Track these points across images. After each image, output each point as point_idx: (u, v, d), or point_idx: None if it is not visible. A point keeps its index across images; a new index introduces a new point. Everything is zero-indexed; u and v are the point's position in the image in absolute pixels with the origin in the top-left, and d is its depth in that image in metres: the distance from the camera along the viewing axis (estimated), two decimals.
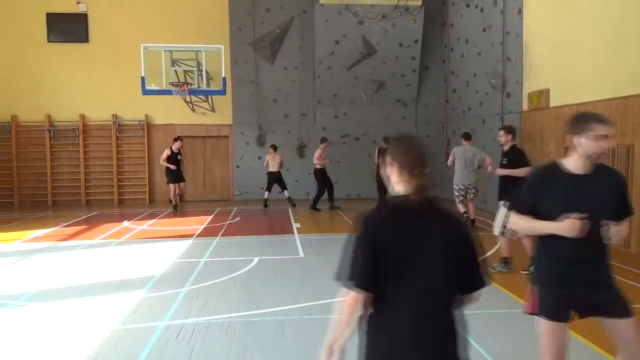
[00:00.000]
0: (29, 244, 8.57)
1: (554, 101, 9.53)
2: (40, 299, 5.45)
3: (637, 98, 7.32)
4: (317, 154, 12.57)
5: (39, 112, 14.25)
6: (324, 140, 12.90)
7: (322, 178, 12.65)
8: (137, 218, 11.47)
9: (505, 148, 6.71)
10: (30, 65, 14.20)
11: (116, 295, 5.56)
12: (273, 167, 12.78)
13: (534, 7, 10.11)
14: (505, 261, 6.52)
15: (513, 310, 4.95)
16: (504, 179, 6.49)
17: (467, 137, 9.86)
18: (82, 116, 14.46)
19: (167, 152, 12.24)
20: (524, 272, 6.08)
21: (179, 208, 12.56)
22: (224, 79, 12.92)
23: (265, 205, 12.89)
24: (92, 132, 14.65)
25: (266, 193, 13.03)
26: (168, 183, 12.55)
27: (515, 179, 5.91)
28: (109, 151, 14.56)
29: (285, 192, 12.97)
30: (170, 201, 12.51)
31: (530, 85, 10.31)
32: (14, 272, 6.73)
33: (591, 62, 8.35)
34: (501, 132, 6.72)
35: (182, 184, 12.77)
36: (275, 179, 12.91)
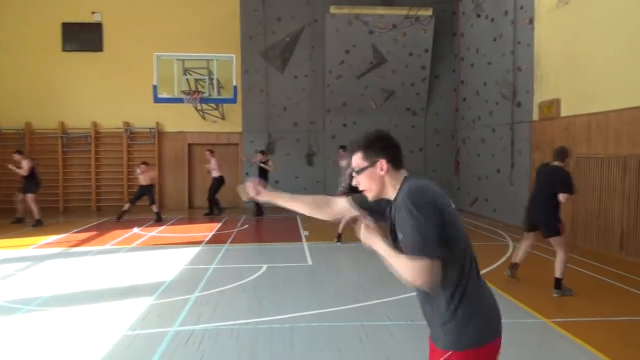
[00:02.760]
0: (41, 250, 8.67)
1: (564, 111, 9.49)
2: (52, 304, 5.51)
3: None
4: None
5: (53, 119, 14.46)
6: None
7: None
8: (147, 225, 11.55)
9: None
10: (45, 73, 14.44)
11: (126, 301, 5.60)
12: (144, 181, 12.20)
13: (545, 17, 10.11)
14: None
15: (522, 321, 4.92)
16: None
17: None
18: (95, 124, 14.65)
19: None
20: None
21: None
22: (235, 87, 13.04)
23: (120, 217, 12.07)
24: (104, 139, 14.83)
25: (127, 205, 12.31)
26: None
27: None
28: (120, 158, 14.72)
29: (154, 206, 12.37)
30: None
31: (541, 95, 10.28)
32: (26, 277, 6.80)
33: (602, 72, 8.32)
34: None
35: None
36: (145, 192, 12.26)
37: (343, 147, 11.36)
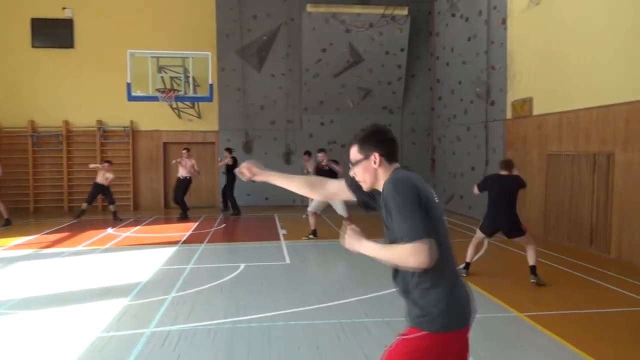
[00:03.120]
0: (10, 252, 8.43)
1: (537, 109, 9.71)
2: (23, 307, 5.36)
3: (618, 107, 7.51)
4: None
5: (22, 118, 14.06)
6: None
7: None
8: (121, 225, 11.35)
9: None
10: (13, 70, 14.04)
11: (101, 302, 5.50)
12: (101, 180, 12.06)
13: (518, 17, 10.32)
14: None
15: (497, 315, 5.02)
16: None
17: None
18: (66, 122, 14.31)
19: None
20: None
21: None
22: (211, 85, 12.90)
23: (79, 216, 11.99)
24: (76, 138, 14.50)
25: (84, 204, 12.13)
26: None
27: None
28: (94, 157, 14.40)
29: (112, 206, 12.30)
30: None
31: (514, 93, 10.50)
32: None
33: (573, 71, 8.54)
34: None
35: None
36: (102, 191, 12.21)
37: (308, 153, 12.32)
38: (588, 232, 8.19)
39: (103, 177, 12.10)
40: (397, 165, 2.13)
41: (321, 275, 6.96)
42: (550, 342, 4.32)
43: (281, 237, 9.62)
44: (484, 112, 11.71)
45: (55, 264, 7.52)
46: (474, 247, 6.64)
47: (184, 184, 12.49)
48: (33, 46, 14.12)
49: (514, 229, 6.17)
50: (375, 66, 14.61)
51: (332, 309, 5.25)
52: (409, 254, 1.84)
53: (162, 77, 12.65)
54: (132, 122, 14.59)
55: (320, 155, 9.90)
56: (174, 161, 12.85)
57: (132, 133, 14.61)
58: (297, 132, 15.16)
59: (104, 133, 14.52)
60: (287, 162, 15.08)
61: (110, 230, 10.63)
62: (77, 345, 4.27)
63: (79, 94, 14.23)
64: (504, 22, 10.76)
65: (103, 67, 14.09)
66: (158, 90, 12.42)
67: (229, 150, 13.49)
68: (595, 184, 8.02)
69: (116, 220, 11.98)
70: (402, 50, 14.55)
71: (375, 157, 2.09)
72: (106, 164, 12.22)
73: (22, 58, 14.05)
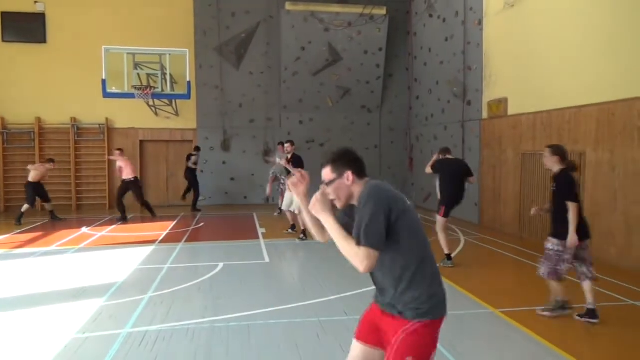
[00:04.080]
0: None
1: (511, 109, 9.90)
2: None
3: (589, 108, 7.71)
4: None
5: None
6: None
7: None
8: (96, 224, 11.14)
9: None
10: None
11: (75, 303, 5.39)
12: (33, 178, 11.39)
13: (493, 19, 10.49)
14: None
15: (473, 312, 5.11)
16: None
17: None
18: (39, 119, 13.96)
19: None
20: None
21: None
22: (189, 83, 12.76)
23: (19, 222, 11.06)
24: (49, 135, 14.16)
25: (25, 206, 11.33)
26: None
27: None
28: (67, 155, 14.10)
29: (48, 205, 11.81)
30: None
31: (490, 94, 10.67)
32: None
33: (547, 72, 8.73)
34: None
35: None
36: (36, 190, 11.50)
37: (281, 143, 12.44)
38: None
39: (35, 174, 11.40)
40: (367, 179, 2.31)
41: (300, 273, 6.97)
42: (524, 338, 4.42)
43: (260, 236, 9.58)
44: (461, 112, 11.88)
45: (27, 264, 7.34)
46: (445, 235, 7.06)
47: (135, 186, 11.89)
48: (4, 40, 13.73)
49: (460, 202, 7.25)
50: (354, 65, 14.67)
51: (311, 307, 5.26)
52: (355, 254, 2.10)
53: (138, 73, 12.45)
54: (107, 119, 14.32)
55: (287, 146, 9.90)
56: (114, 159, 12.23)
57: (108, 131, 14.34)
58: (276, 130, 15.11)
59: (78, 130, 14.21)
60: (266, 162, 15.01)
61: (84, 229, 10.42)
62: (52, 346, 4.18)
63: (52, 90, 13.90)
64: (480, 23, 10.93)
65: (77, 62, 13.79)
66: (134, 87, 12.22)
67: (197, 148, 13.74)
68: None
69: (55, 219, 11.62)
70: (381, 49, 14.65)
71: (348, 174, 2.27)
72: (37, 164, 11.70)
73: None
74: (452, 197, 7.12)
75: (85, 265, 7.30)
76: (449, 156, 7.41)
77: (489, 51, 10.67)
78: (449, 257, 7.03)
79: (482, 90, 10.95)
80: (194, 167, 13.41)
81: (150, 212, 12.19)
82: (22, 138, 13.94)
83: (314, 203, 2.25)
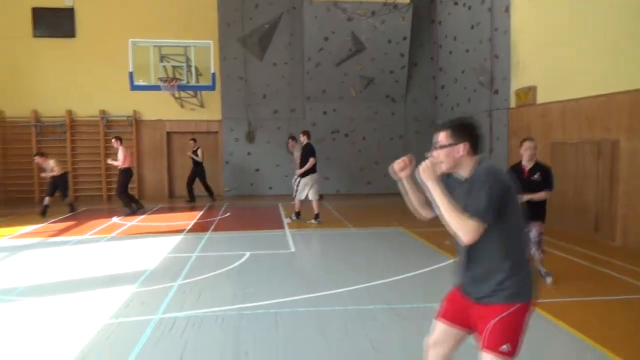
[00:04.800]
0: (17, 240, 8.49)
1: (540, 98, 9.68)
2: (31, 294, 5.43)
3: (622, 95, 7.48)
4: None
5: (25, 108, 14.08)
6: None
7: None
8: (126, 214, 11.40)
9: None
10: (15, 60, 14.02)
11: (108, 290, 5.56)
12: (53, 172, 11.37)
13: (521, 4, 10.24)
14: None
15: None
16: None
17: None
18: (70, 112, 14.32)
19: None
20: None
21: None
22: (213, 74, 12.88)
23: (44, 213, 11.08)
24: (79, 128, 14.52)
25: (47, 199, 11.33)
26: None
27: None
28: (97, 147, 14.45)
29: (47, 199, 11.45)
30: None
31: (518, 82, 10.46)
32: (4, 267, 6.67)
33: (577, 59, 8.50)
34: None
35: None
36: (59, 182, 11.46)
37: (292, 137, 12.20)
38: (593, 219, 8.21)
39: (56, 168, 11.41)
40: (479, 156, 2.36)
41: (326, 263, 7.01)
42: (556, 329, 4.36)
43: (285, 226, 9.66)
44: (488, 101, 11.68)
45: (62, 252, 7.58)
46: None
47: (122, 177, 11.44)
48: (34, 36, 14.09)
49: None
50: (377, 55, 14.55)
51: (337, 295, 5.30)
52: (463, 225, 2.18)
53: (164, 66, 12.64)
54: (135, 111, 14.59)
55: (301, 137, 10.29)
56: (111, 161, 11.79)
57: (136, 123, 14.62)
58: (299, 122, 15.14)
59: (107, 123, 14.53)
60: (291, 152, 15.08)
61: (115, 219, 10.69)
62: (86, 331, 4.33)
63: (81, 83, 14.22)
64: (507, 9, 10.69)
65: (105, 56, 14.06)
66: (160, 79, 12.41)
67: (194, 139, 13.69)
68: (600, 171, 8.02)
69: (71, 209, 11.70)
70: (405, 38, 14.48)
71: (464, 146, 2.32)
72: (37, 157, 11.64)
73: (23, 48, 14.03)
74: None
75: (117, 253, 7.51)
76: None
77: (517, 38, 10.44)
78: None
79: (510, 78, 10.73)
80: (201, 160, 13.49)
81: (133, 203, 11.62)
82: (54, 131, 14.33)
83: (423, 169, 2.30)
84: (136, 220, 10.57)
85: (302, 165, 9.87)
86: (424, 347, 2.58)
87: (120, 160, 11.24)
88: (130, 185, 11.89)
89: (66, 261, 7.01)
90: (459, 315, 2.44)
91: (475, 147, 2.34)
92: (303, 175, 9.85)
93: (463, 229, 2.18)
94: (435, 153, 2.38)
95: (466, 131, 2.34)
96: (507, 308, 2.24)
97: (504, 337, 2.22)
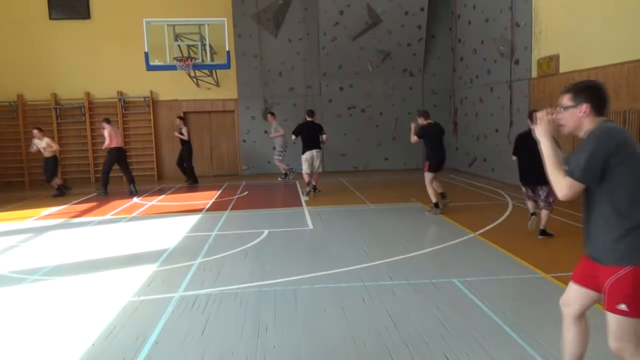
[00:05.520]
0: (41, 222, 8.70)
1: (563, 67, 9.37)
2: (56, 274, 5.56)
3: None
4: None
5: (45, 90, 14.25)
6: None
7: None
8: (146, 194, 11.56)
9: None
10: (33, 43, 14.14)
11: (130, 268, 5.66)
12: (47, 152, 11.45)
13: None
14: None
15: (521, 276, 5.00)
16: None
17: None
18: (88, 94, 14.45)
19: None
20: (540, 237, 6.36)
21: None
22: (228, 52, 12.77)
23: (61, 192, 11.49)
24: (98, 109, 14.65)
25: (56, 179, 11.70)
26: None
27: None
28: (116, 128, 14.56)
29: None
30: None
31: (540, 51, 10.12)
32: (29, 248, 6.85)
33: (602, 25, 8.16)
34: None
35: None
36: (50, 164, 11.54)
37: (271, 113, 13.38)
38: None
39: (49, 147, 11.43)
40: (603, 119, 2.38)
41: (344, 239, 7.00)
42: None
43: (303, 204, 9.67)
44: (508, 72, 11.36)
45: (84, 232, 7.74)
46: (431, 188, 8.17)
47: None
48: (51, 18, 14.15)
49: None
50: (394, 27, 14.23)
51: (356, 272, 5.30)
52: (559, 181, 2.31)
53: (179, 45, 12.56)
54: (151, 92, 14.64)
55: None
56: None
57: (153, 103, 14.68)
58: (316, 98, 15.01)
59: (124, 104, 14.63)
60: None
61: (135, 199, 10.85)
62: (110, 308, 4.42)
63: (98, 65, 14.29)
64: None
65: (120, 37, 14.07)
66: (175, 59, 12.36)
67: (181, 117, 13.38)
68: None
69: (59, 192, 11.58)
70: (422, 9, 14.10)
71: (585, 107, 2.37)
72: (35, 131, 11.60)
73: (40, 30, 14.12)
74: (437, 157, 8.22)
75: (138, 233, 7.63)
76: (429, 120, 8.34)
77: (539, 5, 10.06)
78: (436, 205, 8.18)
79: (531, 47, 10.39)
80: (187, 138, 13.02)
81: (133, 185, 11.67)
82: (73, 113, 14.50)
83: (540, 122, 2.42)
84: (156, 200, 10.70)
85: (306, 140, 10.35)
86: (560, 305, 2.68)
87: (115, 140, 11.49)
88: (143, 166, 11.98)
89: (89, 241, 7.16)
90: (587, 277, 2.49)
91: (597, 108, 2.38)
92: (303, 151, 10.31)
93: (557, 185, 2.31)
94: (559, 115, 2.47)
95: (588, 93, 2.40)
96: (621, 269, 2.27)
97: (620, 296, 2.26)
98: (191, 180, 13.07)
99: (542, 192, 6.42)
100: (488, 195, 10.07)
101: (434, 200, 8.21)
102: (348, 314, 4.16)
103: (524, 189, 6.78)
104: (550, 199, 6.36)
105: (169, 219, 8.56)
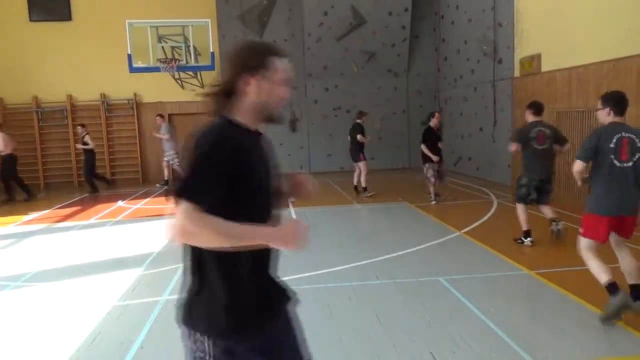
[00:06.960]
0: (24, 227, 8.55)
1: (545, 66, 9.49)
2: (40, 279, 5.48)
3: (629, 60, 7.31)
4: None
5: (26, 94, 14.01)
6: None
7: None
8: (131, 197, 11.44)
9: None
10: (13, 45, 13.90)
11: (115, 273, 5.59)
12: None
13: None
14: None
15: (506, 273, 5.06)
16: None
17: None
18: (70, 96, 14.25)
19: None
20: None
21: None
22: (212, 54, 12.71)
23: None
24: (80, 112, 14.46)
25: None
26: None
27: None
28: (99, 131, 14.40)
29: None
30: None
31: (522, 50, 10.25)
32: (11, 254, 6.73)
33: (582, 24, 8.29)
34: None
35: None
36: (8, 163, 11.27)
37: (160, 115, 13.06)
38: None
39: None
40: (618, 119, 3.78)
41: (331, 240, 7.01)
42: (558, 297, 4.36)
43: (290, 204, 9.65)
44: (491, 71, 11.48)
45: (68, 237, 7.63)
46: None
47: (8, 165, 11.23)
48: (31, 20, 13.93)
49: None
50: (378, 28, 14.28)
51: (343, 272, 5.31)
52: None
53: (162, 47, 12.47)
54: (135, 94, 14.50)
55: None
56: None
57: (137, 105, 14.53)
58: (302, 99, 15.00)
59: (108, 106, 14.46)
60: (293, 130, 14.99)
61: (120, 203, 10.73)
62: (95, 313, 4.37)
63: (80, 67, 14.11)
64: None
65: (102, 38, 13.90)
66: (159, 60, 12.27)
67: (82, 125, 12.50)
68: None
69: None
70: (406, 10, 14.19)
71: (606, 111, 3.82)
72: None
73: (21, 33, 13.89)
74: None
75: (123, 236, 7.54)
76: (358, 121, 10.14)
77: (521, 5, 10.19)
78: (365, 189, 10.05)
79: (514, 47, 10.52)
80: (92, 147, 12.26)
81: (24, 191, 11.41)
82: (55, 116, 14.28)
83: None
84: (141, 204, 10.59)
85: None
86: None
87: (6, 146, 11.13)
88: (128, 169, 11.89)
89: (73, 246, 7.06)
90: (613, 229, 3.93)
91: (615, 111, 3.74)
92: None
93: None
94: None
95: (608, 99, 3.74)
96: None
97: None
98: (93, 189, 12.23)
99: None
100: (473, 193, 10.17)
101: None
102: (335, 313, 4.16)
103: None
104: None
105: (154, 222, 8.47)
